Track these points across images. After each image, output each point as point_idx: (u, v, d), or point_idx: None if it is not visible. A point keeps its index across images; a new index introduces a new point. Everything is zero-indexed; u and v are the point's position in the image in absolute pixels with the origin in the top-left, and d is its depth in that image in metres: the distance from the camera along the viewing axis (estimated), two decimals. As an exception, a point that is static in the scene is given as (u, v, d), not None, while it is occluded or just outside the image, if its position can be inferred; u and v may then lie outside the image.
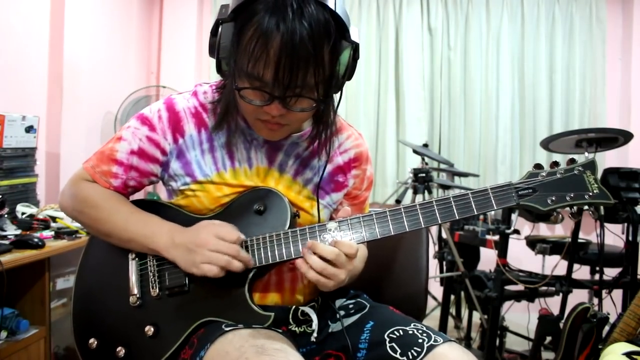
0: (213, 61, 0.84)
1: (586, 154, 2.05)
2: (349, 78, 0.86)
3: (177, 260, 0.88)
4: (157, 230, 0.91)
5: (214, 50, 0.83)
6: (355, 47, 0.82)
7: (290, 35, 0.74)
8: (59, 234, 1.84)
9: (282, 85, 0.78)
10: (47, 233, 1.83)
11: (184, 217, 0.95)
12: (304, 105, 0.83)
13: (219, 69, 0.84)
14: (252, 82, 0.80)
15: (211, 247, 0.85)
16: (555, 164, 0.87)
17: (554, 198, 0.85)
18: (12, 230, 1.77)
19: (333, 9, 0.78)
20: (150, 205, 0.98)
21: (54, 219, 1.95)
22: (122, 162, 0.95)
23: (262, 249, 0.88)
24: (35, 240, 1.66)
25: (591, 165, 0.86)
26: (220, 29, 0.81)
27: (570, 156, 0.88)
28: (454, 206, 0.85)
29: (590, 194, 0.84)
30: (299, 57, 0.76)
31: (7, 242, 1.63)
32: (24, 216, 1.90)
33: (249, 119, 0.89)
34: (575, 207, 0.87)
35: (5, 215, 1.80)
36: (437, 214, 0.85)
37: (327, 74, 0.81)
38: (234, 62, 0.80)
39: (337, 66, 0.82)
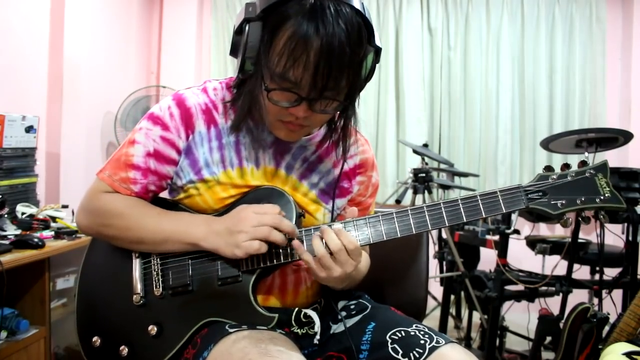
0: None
1: (586, 154, 2.05)
2: (368, 80, 0.86)
3: (219, 247, 0.86)
4: (192, 223, 0.89)
5: (237, 49, 0.82)
6: (377, 51, 0.83)
7: (330, 38, 0.74)
8: (59, 234, 1.84)
9: (318, 88, 0.78)
10: (47, 233, 1.83)
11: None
12: (329, 107, 0.83)
13: (242, 68, 0.83)
14: (283, 83, 0.79)
15: (253, 223, 0.84)
16: (566, 166, 0.86)
17: (564, 201, 0.84)
18: (12, 230, 1.77)
19: (363, 12, 0.79)
20: (154, 203, 0.97)
21: (54, 219, 1.95)
22: (140, 166, 0.92)
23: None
24: (35, 240, 1.66)
25: (603, 168, 0.85)
26: (247, 28, 0.79)
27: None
28: (461, 208, 0.85)
29: (602, 197, 0.83)
30: (338, 60, 0.76)
31: (7, 242, 1.63)
32: (24, 216, 1.90)
33: (270, 119, 0.87)
34: (585, 212, 0.85)
35: (5, 215, 1.80)
36: (445, 216, 0.85)
37: (357, 77, 0.82)
38: (265, 63, 0.79)
39: (364, 69, 0.83)
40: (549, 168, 0.87)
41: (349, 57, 0.77)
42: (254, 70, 0.82)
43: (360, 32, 0.79)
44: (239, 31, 0.82)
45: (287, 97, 0.81)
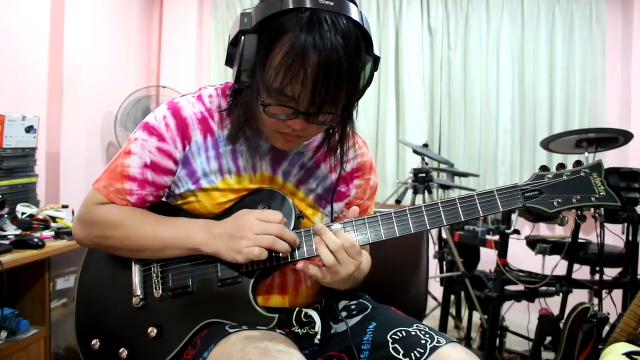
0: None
1: (586, 154, 2.06)
2: (367, 88, 0.86)
3: (220, 250, 0.86)
4: (191, 227, 0.89)
5: (233, 60, 0.81)
6: (376, 60, 0.82)
7: (327, 53, 0.74)
8: (59, 234, 1.84)
9: (316, 104, 0.77)
10: (47, 233, 1.83)
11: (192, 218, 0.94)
12: (326, 119, 0.83)
13: (238, 80, 0.82)
14: (280, 98, 0.78)
15: (256, 230, 0.84)
16: (561, 165, 0.87)
17: (560, 200, 0.84)
18: (12, 230, 1.77)
19: (362, 24, 0.78)
20: (154, 207, 0.97)
21: (53, 219, 1.95)
22: (136, 177, 0.91)
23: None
24: (35, 240, 1.66)
25: (598, 167, 0.86)
26: (243, 40, 0.78)
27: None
28: (459, 208, 0.85)
29: (597, 196, 0.84)
30: (336, 76, 0.75)
31: (7, 242, 1.63)
32: (24, 216, 1.90)
33: (267, 130, 0.87)
34: (581, 210, 0.86)
35: (5, 215, 1.80)
36: (443, 216, 0.85)
37: (355, 89, 0.81)
38: (261, 77, 0.78)
39: (362, 80, 0.82)
40: (544, 168, 0.88)
41: (347, 71, 0.76)
42: (250, 82, 0.81)
43: (358, 44, 0.78)
44: (234, 42, 0.81)
45: (284, 110, 0.80)
